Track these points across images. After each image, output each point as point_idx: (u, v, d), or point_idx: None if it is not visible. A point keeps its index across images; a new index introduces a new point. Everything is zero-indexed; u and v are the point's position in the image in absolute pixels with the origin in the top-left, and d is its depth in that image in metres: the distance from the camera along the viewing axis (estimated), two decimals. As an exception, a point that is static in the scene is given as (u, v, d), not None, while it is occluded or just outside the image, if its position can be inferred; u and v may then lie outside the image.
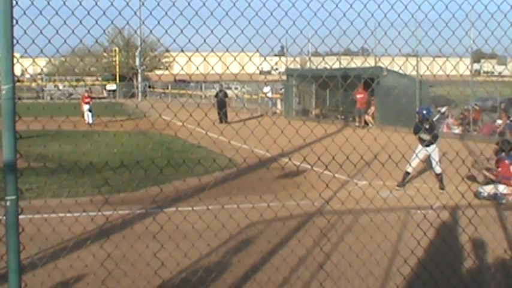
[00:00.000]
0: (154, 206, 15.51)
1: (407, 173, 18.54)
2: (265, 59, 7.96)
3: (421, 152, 18.27)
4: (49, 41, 6.13)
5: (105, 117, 39.27)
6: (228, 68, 7.43)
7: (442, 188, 18.05)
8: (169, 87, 72.33)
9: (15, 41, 5.57)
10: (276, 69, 53.56)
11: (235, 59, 7.31)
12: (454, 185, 11.30)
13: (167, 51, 75.84)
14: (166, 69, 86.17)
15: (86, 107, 42.10)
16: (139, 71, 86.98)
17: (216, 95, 46.12)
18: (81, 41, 6.37)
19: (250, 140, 8.48)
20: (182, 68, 7.46)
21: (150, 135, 29.12)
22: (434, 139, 18.59)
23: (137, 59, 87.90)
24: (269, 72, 59.86)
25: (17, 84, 5.71)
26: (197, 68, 7.26)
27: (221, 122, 37.55)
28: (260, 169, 19.59)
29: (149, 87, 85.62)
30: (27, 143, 24.49)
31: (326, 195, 13.71)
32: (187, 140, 26.08)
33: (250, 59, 7.65)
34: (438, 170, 18.38)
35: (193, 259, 10.78)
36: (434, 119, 20.01)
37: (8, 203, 5.66)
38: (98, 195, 16.49)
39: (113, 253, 9.71)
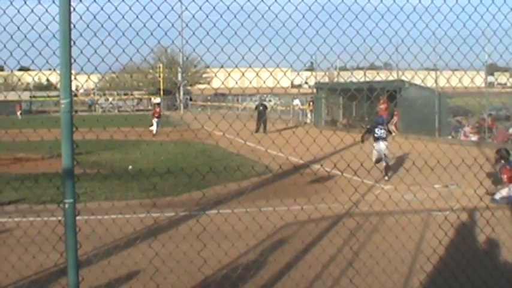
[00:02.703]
0: (197, 208, 15.53)
1: (388, 166, 19.82)
2: (298, 74, 7.95)
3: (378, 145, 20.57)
4: (102, 60, 6.18)
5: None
6: (264, 82, 7.43)
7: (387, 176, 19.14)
8: (209, 100, 72.55)
9: (72, 60, 5.62)
10: (306, 83, 53.52)
11: (271, 74, 7.30)
12: (472, 188, 11.18)
13: (207, 67, 76.23)
14: (208, 84, 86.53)
15: (155, 119, 42.29)
16: (181, 85, 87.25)
17: (256, 108, 46.12)
18: (131, 59, 6.42)
19: (286, 149, 8.47)
20: (223, 83, 7.49)
21: (193, 144, 29.19)
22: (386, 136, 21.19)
23: (179, 75, 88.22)
24: (300, 86, 59.80)
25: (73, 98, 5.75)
26: (236, 82, 7.29)
27: (257, 131, 37.50)
28: (294, 175, 19.54)
29: (190, 99, 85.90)
30: (84, 152, 24.74)
31: (355, 199, 13.63)
32: (228, 148, 26.10)
33: (284, 74, 7.64)
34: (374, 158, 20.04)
35: (233, 257, 10.77)
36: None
37: (66, 206, 5.71)
38: (147, 198, 16.55)
39: (160, 252, 9.73)
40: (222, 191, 17.34)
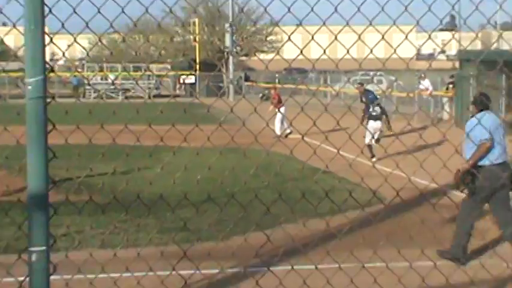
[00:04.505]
0: (257, 262, 15.55)
1: (369, 146, 33.25)
2: (429, 36, 7.83)
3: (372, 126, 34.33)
4: (98, 11, 6.17)
5: (185, 126, 39.60)
6: (371, 50, 7.33)
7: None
8: (278, 80, 72.59)
9: (46, 11, 5.60)
10: (443, 51, 53.38)
11: (382, 37, 7.23)
12: None
13: (275, 24, 75.67)
14: (278, 53, 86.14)
15: (278, 112, 42.48)
16: (231, 55, 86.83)
17: (361, 99, 45.65)
18: (147, 10, 6.41)
19: (407, 164, 8.37)
20: (301, 51, 7.41)
21: (251, 154, 29.17)
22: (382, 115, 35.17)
23: (227, 37, 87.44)
24: (432, 57, 59.77)
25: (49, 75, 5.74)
26: (324, 51, 7.18)
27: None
28: (421, 207, 19.43)
29: (246, 79, 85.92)
30: (65, 165, 24.93)
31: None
32: (309, 162, 26.07)
33: (406, 37, 7.55)
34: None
35: None
36: None
37: (33, 257, 5.70)
38: (172, 244, 16.62)
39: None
40: (299, 233, 17.30)
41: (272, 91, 47.43)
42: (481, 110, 16.63)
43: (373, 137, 33.53)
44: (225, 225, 18.34)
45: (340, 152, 8.73)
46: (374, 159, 32.02)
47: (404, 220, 19.28)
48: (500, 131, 16.48)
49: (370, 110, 35.15)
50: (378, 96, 48.26)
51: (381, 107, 36.19)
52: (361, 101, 45.30)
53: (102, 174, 25.99)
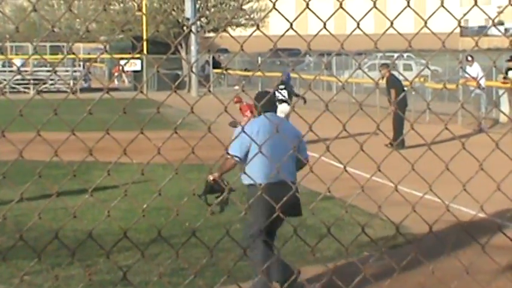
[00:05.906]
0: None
1: None
2: (475, 3, 8.01)
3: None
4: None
5: (125, 132, 39.55)
6: (391, 23, 7.49)
7: None
8: (259, 65, 72.73)
9: None
10: (502, 23, 53.98)
11: (408, 4, 7.40)
12: None
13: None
14: (258, 28, 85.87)
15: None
16: (192, 31, 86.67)
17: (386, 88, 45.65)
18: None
19: (443, 185, 8.53)
20: (291, 25, 7.58)
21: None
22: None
23: (187, 4, 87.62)
24: (483, 31, 60.29)
25: None
26: (324, 24, 7.35)
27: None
28: (466, 249, 19.56)
29: (214, 65, 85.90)
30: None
31: None
32: (303, 183, 26.19)
33: (442, 4, 7.73)
34: None
35: None
36: None
37: None
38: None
39: None
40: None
41: (238, 104, 43.78)
42: (266, 112, 17.73)
43: None
44: (184, 276, 18.48)
45: (348, 169, 8.87)
46: None
47: (440, 267, 19.36)
48: (286, 143, 16.74)
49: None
50: (405, 88, 48.30)
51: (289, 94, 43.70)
52: (387, 91, 45.36)
53: (3, 204, 26.09)
